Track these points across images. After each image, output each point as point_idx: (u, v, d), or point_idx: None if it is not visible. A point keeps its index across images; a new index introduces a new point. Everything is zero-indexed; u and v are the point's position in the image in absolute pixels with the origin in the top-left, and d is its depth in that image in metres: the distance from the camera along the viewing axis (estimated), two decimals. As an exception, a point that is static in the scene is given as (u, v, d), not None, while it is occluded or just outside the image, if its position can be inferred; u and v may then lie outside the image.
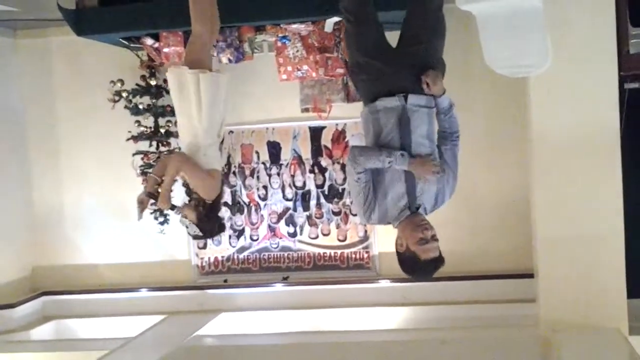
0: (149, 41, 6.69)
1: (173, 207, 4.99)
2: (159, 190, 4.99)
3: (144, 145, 7.32)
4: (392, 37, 3.99)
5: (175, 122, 7.15)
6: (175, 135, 7.24)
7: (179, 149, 5.36)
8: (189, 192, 5.12)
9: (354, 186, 3.77)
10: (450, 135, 3.91)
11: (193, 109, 4.92)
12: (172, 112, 7.10)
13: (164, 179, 4.90)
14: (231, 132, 7.53)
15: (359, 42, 3.96)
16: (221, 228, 5.31)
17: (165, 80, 7.11)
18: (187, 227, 4.99)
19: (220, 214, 5.22)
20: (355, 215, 7.33)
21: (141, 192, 5.06)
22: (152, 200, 5.03)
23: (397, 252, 3.78)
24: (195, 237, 5.18)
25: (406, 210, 3.73)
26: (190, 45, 5.07)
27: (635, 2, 5.23)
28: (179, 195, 5.05)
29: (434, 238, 3.66)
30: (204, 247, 7.69)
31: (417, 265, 3.70)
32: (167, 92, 7.11)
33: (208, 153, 4.98)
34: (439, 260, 3.69)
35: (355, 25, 3.98)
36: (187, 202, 5.11)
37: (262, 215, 7.61)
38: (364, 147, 3.86)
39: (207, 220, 4.99)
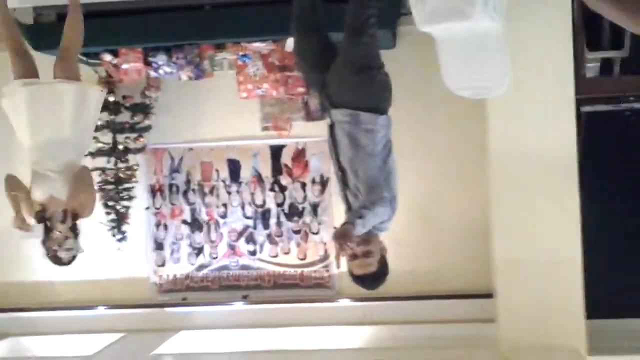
0: (108, 57, 6.62)
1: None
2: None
3: (101, 161, 7.21)
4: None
5: (134, 139, 7.15)
6: (134, 151, 7.17)
7: None
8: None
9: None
10: None
11: (68, 121, 4.60)
12: (131, 129, 7.10)
13: (70, 201, 4.51)
14: (191, 149, 7.45)
15: (299, 49, 3.96)
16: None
17: (124, 97, 7.07)
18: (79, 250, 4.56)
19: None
20: (315, 233, 7.32)
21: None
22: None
23: None
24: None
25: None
26: (69, 59, 4.85)
27: (592, 26, 5.31)
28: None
29: (366, 254, 3.35)
30: (163, 264, 7.60)
31: (354, 279, 3.49)
32: (127, 108, 7.05)
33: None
34: (374, 276, 3.43)
35: (296, 32, 3.94)
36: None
37: (221, 233, 7.54)
38: None
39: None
